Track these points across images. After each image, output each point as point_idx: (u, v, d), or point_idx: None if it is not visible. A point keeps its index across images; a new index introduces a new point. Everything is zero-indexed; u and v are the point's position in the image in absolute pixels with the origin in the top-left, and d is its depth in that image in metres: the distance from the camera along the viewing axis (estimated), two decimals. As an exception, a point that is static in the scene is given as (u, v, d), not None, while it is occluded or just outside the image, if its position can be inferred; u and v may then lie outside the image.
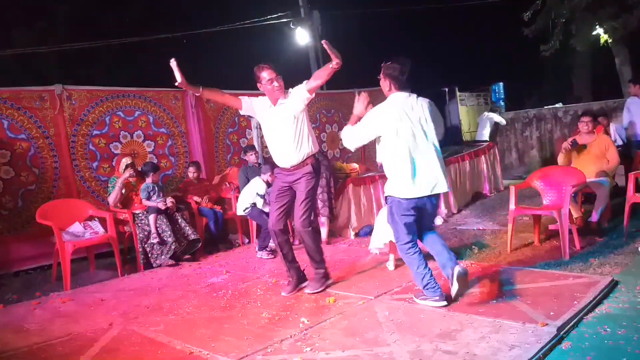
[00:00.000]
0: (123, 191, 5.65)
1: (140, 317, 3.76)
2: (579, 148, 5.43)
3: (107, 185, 5.89)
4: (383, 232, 4.36)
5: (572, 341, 2.71)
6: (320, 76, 3.74)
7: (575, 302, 3.14)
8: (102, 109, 6.31)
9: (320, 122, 8.92)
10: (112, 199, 5.61)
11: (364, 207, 6.12)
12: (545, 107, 11.53)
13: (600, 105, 9.91)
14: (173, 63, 3.53)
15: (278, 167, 3.98)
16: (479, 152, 8.00)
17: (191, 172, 6.46)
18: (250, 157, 6.60)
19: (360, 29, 16.61)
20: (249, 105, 3.92)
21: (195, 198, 6.24)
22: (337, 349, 2.83)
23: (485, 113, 11.28)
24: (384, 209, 4.44)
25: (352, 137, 3.50)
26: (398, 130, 3.32)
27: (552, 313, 3.00)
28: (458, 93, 15.65)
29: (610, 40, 12.88)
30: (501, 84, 16.88)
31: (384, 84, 3.45)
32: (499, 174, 8.37)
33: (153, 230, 5.39)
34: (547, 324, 2.85)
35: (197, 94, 3.76)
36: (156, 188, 5.69)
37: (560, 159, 5.50)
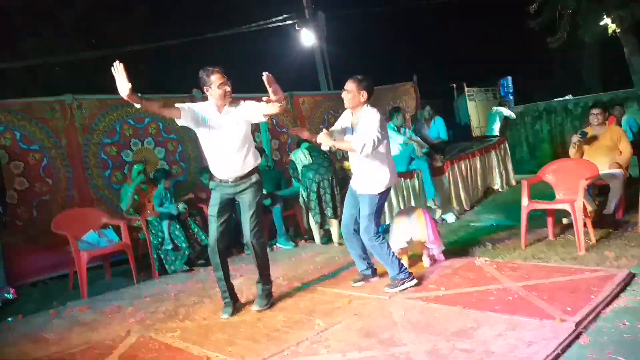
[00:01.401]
0: (136, 197, 5.70)
1: (157, 323, 3.79)
2: (590, 140, 5.38)
3: (120, 193, 5.95)
4: (403, 232, 4.32)
5: (590, 336, 2.69)
6: (271, 110, 3.56)
7: (592, 297, 3.12)
8: (112, 117, 6.37)
9: (328, 122, 8.92)
10: (125, 206, 5.67)
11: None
12: (555, 99, 11.43)
13: (611, 96, 9.80)
14: (119, 67, 3.09)
15: (216, 179, 3.78)
16: (489, 147, 7.96)
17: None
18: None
19: (366, 28, 16.57)
20: (188, 113, 3.58)
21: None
22: (353, 350, 2.83)
23: (495, 108, 11.20)
24: (405, 209, 4.47)
25: (372, 142, 3.68)
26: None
27: (569, 308, 2.98)
28: (466, 89, 15.58)
29: (618, 30, 12.73)
30: (509, 78, 16.77)
31: (358, 96, 3.82)
32: (510, 168, 8.32)
33: (167, 236, 5.43)
34: (564, 320, 2.83)
35: (138, 106, 3.29)
36: (168, 194, 5.74)
37: (572, 152, 5.45)
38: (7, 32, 12.59)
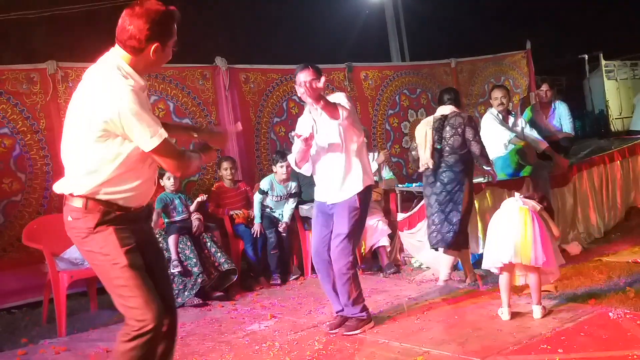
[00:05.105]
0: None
1: (157, 375, 3.88)
2: None
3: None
4: (503, 240, 4.24)
5: None
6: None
7: None
8: (106, 92, 6.55)
9: (400, 106, 8.89)
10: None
11: (464, 227, 6.04)
12: None
13: None
14: None
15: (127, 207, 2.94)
16: (635, 148, 7.74)
17: (225, 170, 6.47)
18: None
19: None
20: None
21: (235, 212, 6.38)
22: None
23: (645, 91, 10.84)
24: (498, 214, 4.47)
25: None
26: None
27: None
28: (603, 62, 15.17)
29: None
30: (668, 47, 16.18)
31: (319, 89, 3.99)
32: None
33: (174, 256, 5.52)
34: None
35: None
36: (177, 199, 5.84)
37: None
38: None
